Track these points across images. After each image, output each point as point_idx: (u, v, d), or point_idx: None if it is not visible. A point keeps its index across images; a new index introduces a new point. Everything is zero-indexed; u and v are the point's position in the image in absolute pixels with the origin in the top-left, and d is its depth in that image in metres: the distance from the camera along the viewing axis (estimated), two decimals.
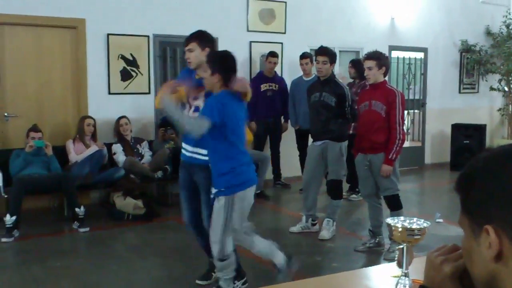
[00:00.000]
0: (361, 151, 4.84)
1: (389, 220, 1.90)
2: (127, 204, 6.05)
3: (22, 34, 6.46)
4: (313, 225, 5.52)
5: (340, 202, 5.43)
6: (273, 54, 7.52)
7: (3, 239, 5.22)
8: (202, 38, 3.87)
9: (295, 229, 5.52)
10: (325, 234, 5.28)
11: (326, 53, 5.24)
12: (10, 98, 6.40)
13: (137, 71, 7.07)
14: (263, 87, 7.53)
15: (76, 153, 6.27)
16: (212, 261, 3.89)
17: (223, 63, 3.62)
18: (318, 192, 5.52)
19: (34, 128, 6.00)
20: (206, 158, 3.69)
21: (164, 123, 6.92)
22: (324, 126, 5.23)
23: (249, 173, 3.68)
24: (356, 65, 7.03)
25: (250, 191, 3.70)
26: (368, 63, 4.69)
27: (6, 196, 5.71)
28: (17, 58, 6.43)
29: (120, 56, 6.93)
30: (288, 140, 7.72)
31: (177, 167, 6.75)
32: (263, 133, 7.58)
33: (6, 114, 6.38)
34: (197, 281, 4.12)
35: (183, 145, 3.88)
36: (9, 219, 5.26)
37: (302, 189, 7.29)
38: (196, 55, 3.78)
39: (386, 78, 4.84)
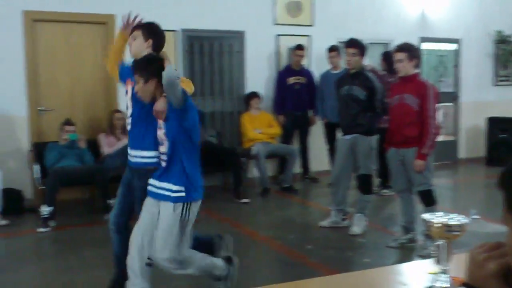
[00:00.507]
0: (393, 146, 4.79)
1: (426, 216, 1.87)
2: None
3: (55, 31, 6.58)
4: (343, 220, 5.49)
5: (370, 197, 5.39)
6: (300, 47, 7.51)
7: (40, 229, 5.36)
8: (149, 28, 3.59)
9: (325, 223, 5.51)
10: (356, 229, 5.25)
11: (356, 45, 5.20)
12: (44, 93, 6.53)
13: None
14: (291, 80, 7.52)
15: (108, 146, 6.38)
16: (118, 272, 3.69)
17: (155, 65, 3.16)
18: (348, 187, 5.49)
19: (68, 122, 6.13)
20: (146, 160, 3.45)
21: None
22: (353, 120, 5.19)
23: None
24: (388, 57, 6.94)
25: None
26: (399, 56, 4.63)
27: (42, 187, 5.85)
28: (50, 54, 6.56)
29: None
30: (317, 134, 7.71)
31: (205, 160, 6.85)
32: (291, 126, 7.58)
33: (41, 108, 6.52)
34: None
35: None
36: (45, 209, 5.40)
37: (331, 183, 7.30)
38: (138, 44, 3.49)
39: (418, 71, 4.77)
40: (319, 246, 5.01)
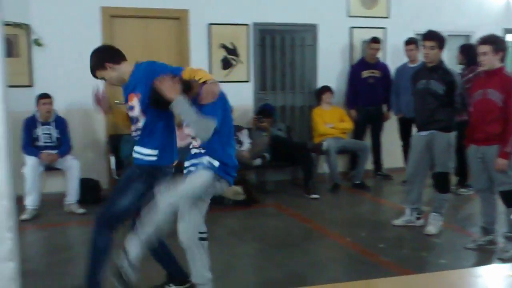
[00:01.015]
0: (474, 142, 4.58)
1: None
2: (227, 189, 6.17)
3: (131, 26, 6.76)
4: (418, 219, 5.31)
5: (447, 195, 5.17)
6: (375, 40, 7.35)
7: None
8: None
9: (398, 222, 5.35)
10: (431, 229, 5.07)
11: (434, 38, 5.00)
12: (120, 87, 6.71)
13: (237, 59, 7.18)
14: (365, 74, 7.38)
15: (180, 139, 6.47)
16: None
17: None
18: (423, 185, 5.31)
19: None
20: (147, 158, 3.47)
21: (259, 111, 7.00)
22: (431, 116, 5.00)
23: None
24: (467, 50, 6.66)
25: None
26: (483, 48, 4.39)
27: (118, 178, 6.04)
28: (126, 49, 6.63)
29: (221, 45, 7.07)
30: (391, 130, 7.52)
31: (275, 154, 6.89)
32: (364, 122, 7.44)
33: (116, 101, 6.70)
34: None
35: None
36: None
37: (405, 181, 7.10)
38: None
39: (503, 64, 4.52)
40: (392, 245, 4.88)
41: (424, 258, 4.57)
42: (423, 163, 5.15)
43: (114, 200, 3.41)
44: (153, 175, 3.41)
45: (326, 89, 7.25)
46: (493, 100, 4.38)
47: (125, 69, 3.57)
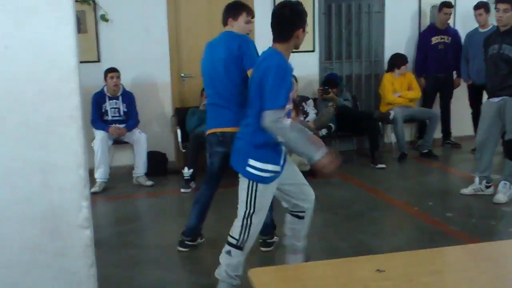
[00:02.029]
0: None
1: None
2: (293, 160, 6.18)
3: (195, 1, 6.79)
4: (487, 187, 5.16)
5: None
6: (448, 5, 7.06)
7: (182, 190, 5.68)
8: None
9: (466, 191, 5.21)
10: (501, 197, 4.92)
11: (508, 0, 4.77)
12: (186, 60, 6.81)
13: None
14: (434, 40, 7.13)
15: None
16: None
17: None
18: (493, 153, 5.13)
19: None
20: None
21: (325, 81, 6.91)
22: (503, 82, 4.79)
23: None
24: None
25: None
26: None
27: (184, 151, 6.17)
28: (191, 23, 6.79)
29: None
30: (460, 97, 7.26)
31: (341, 124, 6.81)
32: (433, 89, 7.22)
33: (183, 74, 6.82)
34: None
35: None
36: (186, 171, 5.69)
37: (475, 149, 6.84)
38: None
39: None
40: (460, 214, 4.78)
41: (493, 227, 4.45)
42: (494, 130, 4.98)
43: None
44: None
45: (402, 60, 7.02)
46: None
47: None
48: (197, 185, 5.77)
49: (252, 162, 2.98)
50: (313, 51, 7.13)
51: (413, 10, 7.45)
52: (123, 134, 6.00)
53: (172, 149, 6.72)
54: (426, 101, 7.23)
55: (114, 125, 5.98)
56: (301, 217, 3.31)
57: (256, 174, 2.98)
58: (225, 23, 4.02)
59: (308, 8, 6.89)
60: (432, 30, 7.21)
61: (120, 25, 6.40)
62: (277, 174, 3.07)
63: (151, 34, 6.54)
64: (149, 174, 6.08)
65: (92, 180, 5.74)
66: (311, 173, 6.08)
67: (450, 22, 7.36)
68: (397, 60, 7.02)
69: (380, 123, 6.91)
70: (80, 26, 6.27)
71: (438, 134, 7.31)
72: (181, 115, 6.47)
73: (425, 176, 6.34)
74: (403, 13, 7.42)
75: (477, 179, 5.19)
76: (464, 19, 7.41)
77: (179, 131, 6.38)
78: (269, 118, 2.85)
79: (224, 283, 3.15)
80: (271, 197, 3.18)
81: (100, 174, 5.80)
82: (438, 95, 7.31)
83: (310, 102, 6.83)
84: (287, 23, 3.06)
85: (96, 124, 5.96)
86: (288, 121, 2.92)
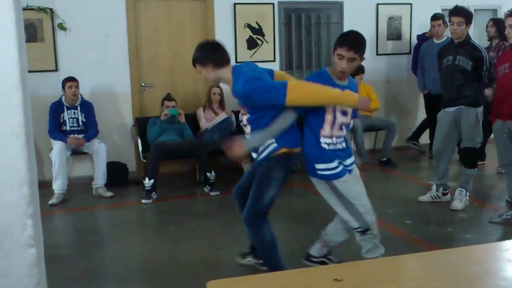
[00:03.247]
0: (499, 117, 4.52)
1: None
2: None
3: (155, 7, 6.77)
4: (444, 194, 5.29)
5: (474, 171, 5.13)
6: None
7: (143, 201, 5.62)
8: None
9: (424, 198, 5.34)
10: (457, 204, 5.05)
11: (462, 14, 4.89)
12: (146, 69, 6.77)
13: (262, 39, 7.15)
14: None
15: (206, 120, 6.52)
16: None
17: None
18: (450, 161, 5.28)
19: (168, 97, 6.31)
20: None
21: None
22: (459, 92, 4.92)
23: None
24: (498, 24, 6.50)
25: None
26: (511, 21, 4.33)
27: (144, 161, 6.11)
28: (151, 32, 6.77)
29: (246, 25, 7.04)
30: (421, 107, 7.44)
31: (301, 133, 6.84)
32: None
33: (143, 84, 6.77)
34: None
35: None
36: (147, 182, 5.63)
37: (432, 156, 7.00)
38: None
39: None
40: (419, 221, 4.87)
41: (450, 234, 4.55)
42: (450, 138, 5.11)
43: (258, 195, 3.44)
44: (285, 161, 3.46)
45: (359, 69, 7.10)
46: None
47: (225, 74, 3.44)
48: (158, 195, 5.73)
49: None
50: (273, 61, 7.20)
51: (371, 21, 7.61)
52: (82, 144, 5.90)
53: (133, 159, 6.66)
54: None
55: (72, 135, 5.88)
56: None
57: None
58: None
59: (268, 18, 7.05)
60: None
61: (78, 34, 6.33)
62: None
63: (110, 42, 6.48)
64: (109, 185, 5.99)
65: (50, 191, 5.65)
66: None
67: (407, 33, 7.52)
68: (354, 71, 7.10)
69: None
70: (37, 35, 6.18)
71: (398, 142, 7.47)
72: (141, 124, 6.42)
73: (384, 184, 6.44)
74: (361, 24, 7.53)
75: (434, 187, 5.33)
76: (420, 30, 7.60)
77: (139, 141, 6.32)
78: None
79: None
80: None
81: (58, 186, 5.69)
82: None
83: None
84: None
85: (53, 134, 5.85)
86: None
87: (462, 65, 4.88)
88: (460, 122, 4.98)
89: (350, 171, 3.48)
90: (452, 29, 4.97)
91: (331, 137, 3.34)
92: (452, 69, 4.95)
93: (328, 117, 3.30)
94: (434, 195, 5.30)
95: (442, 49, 5.22)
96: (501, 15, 7.96)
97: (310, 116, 3.32)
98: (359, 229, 3.47)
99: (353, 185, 3.47)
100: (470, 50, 4.88)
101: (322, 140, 3.33)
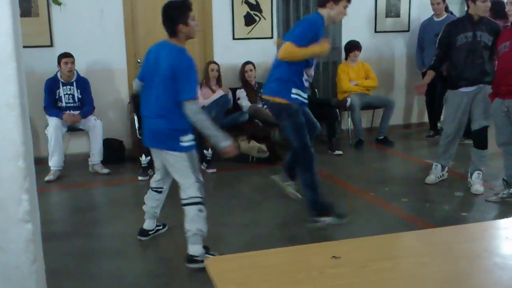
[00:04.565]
0: (498, 96, 4.49)
1: None
2: (251, 147, 6.20)
3: None
4: (447, 172, 5.25)
5: (487, 152, 4.98)
6: None
7: (140, 177, 5.61)
8: None
9: (431, 180, 5.22)
10: (479, 188, 4.90)
11: None
12: (142, 45, 6.68)
13: (260, 15, 7.06)
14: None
15: (203, 97, 6.47)
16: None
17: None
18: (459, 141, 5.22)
19: None
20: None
21: None
22: (482, 70, 4.73)
23: None
24: (492, 3, 6.42)
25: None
26: None
27: (141, 137, 6.07)
28: (147, 7, 6.67)
29: (243, 0, 6.95)
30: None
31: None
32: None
33: (138, 60, 6.70)
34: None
35: (301, 93, 4.19)
36: (144, 159, 5.61)
37: (429, 135, 7.04)
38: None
39: None
40: (415, 199, 4.88)
41: (446, 212, 4.57)
42: (464, 120, 4.97)
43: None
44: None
45: (354, 46, 7.08)
46: None
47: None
48: (154, 172, 5.70)
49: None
50: (271, 37, 7.12)
51: None
52: (78, 121, 5.86)
53: (129, 136, 6.62)
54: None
55: (68, 111, 5.84)
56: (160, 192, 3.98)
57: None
58: (323, 5, 4.20)
59: None
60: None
61: (73, 9, 6.23)
62: None
63: (106, 17, 6.39)
64: (105, 162, 5.97)
65: (46, 168, 5.63)
66: (269, 160, 6.14)
67: (406, 10, 7.44)
68: (349, 47, 7.08)
69: (337, 110, 6.97)
70: (31, 9, 6.09)
71: (395, 121, 7.45)
72: (137, 101, 6.30)
73: (381, 162, 6.45)
74: (360, 1, 7.46)
75: (439, 167, 5.22)
76: (420, 7, 7.53)
77: (135, 118, 6.28)
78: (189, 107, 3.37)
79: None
80: None
81: (54, 162, 5.67)
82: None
83: None
84: (167, 21, 3.58)
85: (49, 111, 5.82)
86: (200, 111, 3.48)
87: (484, 41, 4.71)
88: (477, 101, 4.80)
89: None
90: (485, 6, 4.71)
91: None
92: (474, 45, 4.74)
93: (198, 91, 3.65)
94: (440, 175, 5.23)
95: (454, 25, 4.95)
96: None
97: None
98: (198, 199, 3.55)
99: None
100: (489, 24, 4.73)
101: None
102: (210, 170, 5.85)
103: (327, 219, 4.19)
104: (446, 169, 5.24)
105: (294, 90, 4.11)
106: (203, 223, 3.56)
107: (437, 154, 5.30)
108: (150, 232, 4.08)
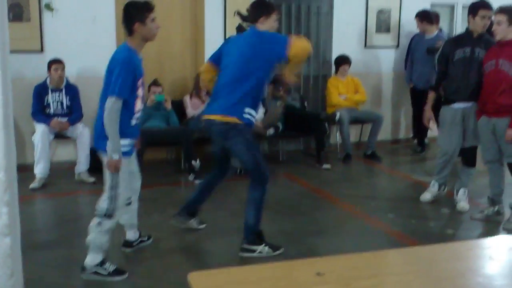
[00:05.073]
0: (485, 114, 4.53)
1: None
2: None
3: None
4: (443, 190, 5.20)
5: (474, 170, 5.00)
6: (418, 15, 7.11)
7: None
8: None
9: (427, 198, 5.18)
10: (465, 205, 4.92)
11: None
12: None
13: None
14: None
15: (193, 108, 6.48)
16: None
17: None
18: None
19: (155, 83, 6.25)
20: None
21: (274, 80, 6.93)
22: (477, 87, 4.68)
23: None
24: None
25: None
26: (499, 17, 4.34)
27: None
28: None
29: (236, 12, 6.95)
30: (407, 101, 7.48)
31: (288, 124, 6.86)
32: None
33: None
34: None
35: (253, 112, 3.87)
36: None
37: (417, 152, 7.08)
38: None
39: None
40: (401, 215, 4.89)
41: (432, 229, 4.59)
42: (460, 136, 4.89)
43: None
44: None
45: (343, 60, 7.13)
46: (505, 71, 4.34)
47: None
48: (142, 182, 5.67)
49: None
50: None
51: (360, 13, 7.59)
52: (65, 128, 5.82)
53: None
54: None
55: (56, 118, 5.80)
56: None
57: None
58: (255, 20, 4.05)
59: None
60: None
61: (65, 15, 6.21)
62: None
63: (98, 24, 6.38)
64: (92, 170, 5.90)
65: (31, 175, 5.58)
66: None
67: (396, 26, 7.52)
68: (338, 61, 7.13)
69: (326, 124, 7.00)
70: (23, 14, 6.07)
71: (383, 136, 7.49)
72: None
73: (368, 177, 6.47)
74: (351, 15, 7.55)
75: (436, 185, 5.18)
76: (409, 25, 7.60)
77: None
78: (107, 102, 3.35)
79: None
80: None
81: (39, 169, 5.60)
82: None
83: None
84: (125, 20, 3.52)
85: (37, 117, 5.77)
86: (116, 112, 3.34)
87: (482, 58, 4.65)
88: (471, 119, 4.76)
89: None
90: (483, 24, 4.66)
91: (139, 111, 3.60)
92: (471, 61, 4.70)
93: (140, 92, 3.56)
94: (436, 194, 5.19)
95: (453, 41, 4.95)
96: (458, 10, 8.06)
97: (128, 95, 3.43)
98: (103, 211, 3.52)
99: (127, 167, 3.56)
100: (488, 41, 4.70)
101: (136, 115, 3.56)
102: (197, 181, 5.82)
103: (263, 251, 3.94)
104: (443, 188, 5.20)
105: (247, 110, 3.81)
106: (100, 236, 3.53)
107: (434, 172, 5.25)
108: (133, 243, 4.04)
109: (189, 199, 4.39)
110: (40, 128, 5.67)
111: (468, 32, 4.81)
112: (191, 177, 5.90)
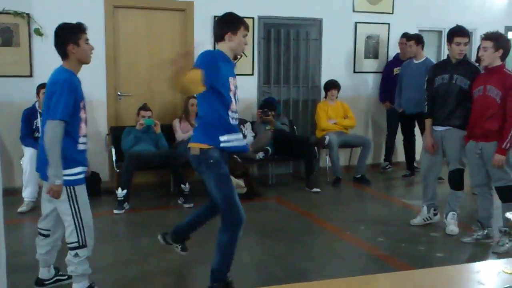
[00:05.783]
0: (472, 138, 4.59)
1: (510, 215, 1.77)
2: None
3: (135, 17, 6.73)
4: (435, 215, 5.22)
5: (462, 193, 5.03)
6: (404, 36, 7.34)
7: (115, 211, 5.54)
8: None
9: (416, 221, 5.20)
10: (454, 228, 4.95)
11: (466, 35, 4.80)
12: (123, 78, 6.71)
13: (241, 52, 7.12)
14: (395, 70, 7.40)
15: (182, 132, 6.48)
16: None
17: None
18: (437, 180, 5.24)
19: (144, 107, 6.26)
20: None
21: (263, 104, 6.98)
22: (451, 112, 4.78)
23: None
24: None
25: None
26: (485, 43, 4.42)
27: (118, 170, 6.04)
28: (130, 40, 6.72)
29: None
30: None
31: (278, 148, 6.88)
32: (395, 116, 7.46)
33: (119, 93, 6.71)
34: None
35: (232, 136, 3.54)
36: (120, 192, 5.56)
37: (405, 175, 7.12)
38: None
39: (503, 62, 4.52)
40: (391, 239, 4.89)
41: (421, 252, 4.57)
42: (437, 158, 5.00)
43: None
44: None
45: (332, 85, 7.19)
46: (492, 97, 4.42)
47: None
48: (130, 206, 5.66)
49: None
50: (252, 74, 7.21)
51: (349, 39, 7.69)
52: None
53: (106, 169, 6.57)
54: (390, 127, 7.53)
55: None
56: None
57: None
58: (221, 39, 3.61)
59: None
60: (395, 60, 7.50)
61: None
62: None
63: None
64: None
65: (20, 199, 5.53)
66: (247, 196, 6.12)
67: (384, 52, 7.61)
68: (327, 86, 7.20)
69: (316, 148, 7.02)
70: (12, 39, 6.09)
71: (372, 159, 7.53)
72: (116, 134, 6.35)
73: (358, 201, 6.48)
74: (340, 41, 7.64)
75: (425, 208, 5.20)
76: (397, 49, 7.71)
77: (113, 150, 6.25)
78: (47, 126, 3.18)
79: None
80: None
81: (28, 193, 5.58)
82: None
83: (248, 125, 6.88)
84: (58, 43, 3.40)
85: (25, 141, 5.75)
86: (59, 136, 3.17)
87: (460, 84, 4.74)
88: (447, 143, 4.87)
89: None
90: (459, 50, 4.75)
91: (85, 136, 3.43)
92: (449, 88, 4.79)
93: (83, 115, 3.41)
94: (426, 217, 5.20)
95: (436, 66, 5.09)
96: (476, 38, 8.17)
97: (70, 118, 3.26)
98: (75, 244, 3.37)
99: (84, 194, 3.42)
100: (469, 68, 4.77)
101: (81, 140, 3.38)
102: (187, 205, 5.81)
103: None
104: (432, 211, 5.20)
105: (224, 138, 3.47)
106: (81, 265, 3.44)
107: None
108: (45, 282, 3.74)
109: (181, 225, 4.10)
110: (29, 152, 5.64)
111: (448, 59, 4.93)
112: (180, 200, 5.88)
